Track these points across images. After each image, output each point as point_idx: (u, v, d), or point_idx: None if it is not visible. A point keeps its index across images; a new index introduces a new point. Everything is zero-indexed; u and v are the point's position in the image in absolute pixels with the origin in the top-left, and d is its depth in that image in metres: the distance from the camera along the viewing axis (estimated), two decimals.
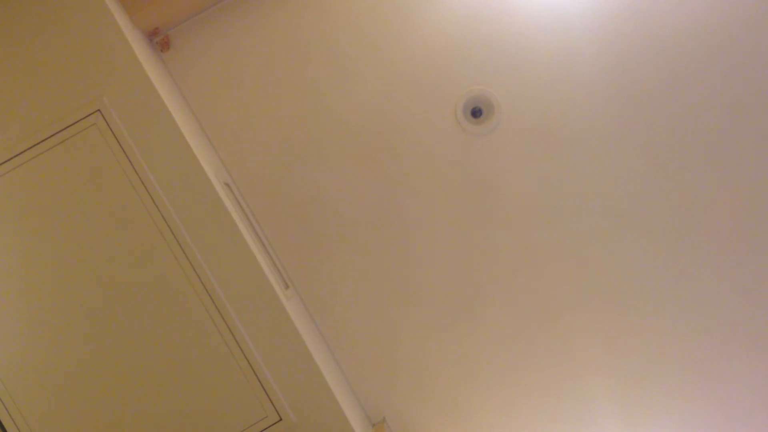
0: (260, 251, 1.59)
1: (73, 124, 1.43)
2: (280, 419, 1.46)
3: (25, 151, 1.43)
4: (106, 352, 1.44)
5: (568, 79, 1.83)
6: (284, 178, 1.91)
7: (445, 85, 1.86)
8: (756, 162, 1.81)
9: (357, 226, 1.92)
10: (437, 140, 1.88)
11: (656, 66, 1.81)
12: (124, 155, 1.44)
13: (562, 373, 1.94)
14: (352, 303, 1.94)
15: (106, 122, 1.44)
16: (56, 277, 1.43)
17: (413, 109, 1.88)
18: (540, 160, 1.87)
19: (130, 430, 1.45)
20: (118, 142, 1.44)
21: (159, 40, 1.84)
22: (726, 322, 1.87)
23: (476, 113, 1.87)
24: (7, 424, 1.43)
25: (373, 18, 1.85)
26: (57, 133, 1.43)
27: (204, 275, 1.44)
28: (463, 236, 1.91)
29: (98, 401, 1.44)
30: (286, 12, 1.86)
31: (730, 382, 1.89)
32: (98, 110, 1.44)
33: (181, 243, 1.43)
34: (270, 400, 1.45)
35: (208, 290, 1.44)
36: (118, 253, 1.43)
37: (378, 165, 1.90)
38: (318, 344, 1.76)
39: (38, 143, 1.43)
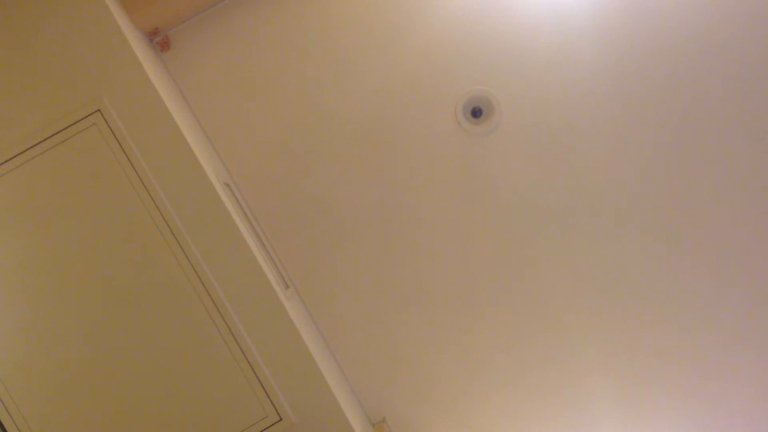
0: (260, 251, 1.59)
1: (73, 124, 1.43)
2: (280, 419, 1.46)
3: (25, 151, 1.43)
4: (106, 352, 1.44)
5: (567, 79, 1.84)
6: (284, 178, 1.91)
7: (445, 85, 1.86)
8: (756, 161, 1.81)
9: (357, 225, 1.92)
10: (437, 140, 1.88)
11: (656, 66, 1.81)
12: (124, 155, 1.44)
13: (562, 372, 1.94)
14: (353, 303, 1.94)
15: (106, 122, 1.44)
16: (56, 277, 1.43)
17: (413, 109, 1.88)
18: (540, 160, 1.87)
19: (130, 430, 1.44)
20: (118, 142, 1.44)
21: (159, 40, 1.84)
22: (726, 321, 1.87)
23: (476, 113, 1.87)
24: (7, 424, 1.43)
25: (373, 18, 1.85)
26: (57, 133, 1.43)
27: (204, 275, 1.44)
28: (463, 236, 1.91)
29: (98, 401, 1.44)
30: (286, 12, 1.86)
31: (729, 381, 1.89)
32: (98, 110, 1.44)
33: (181, 243, 1.43)
34: (270, 400, 1.45)
35: (208, 290, 1.44)
36: (118, 253, 1.43)
37: (378, 165, 1.90)
38: (318, 344, 1.76)
39: (38, 143, 1.43)
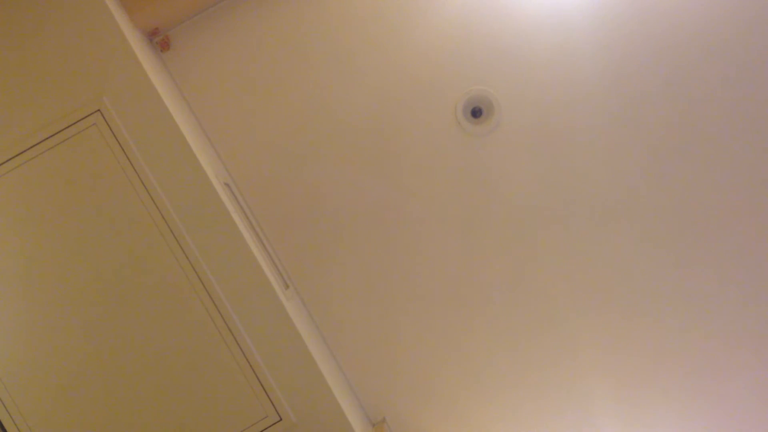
0: (260, 251, 1.60)
1: (73, 124, 1.43)
2: (280, 419, 1.46)
3: (25, 150, 1.43)
4: (105, 351, 1.44)
5: (568, 79, 1.83)
6: (284, 178, 1.91)
7: (445, 85, 1.86)
8: (755, 161, 1.81)
9: (357, 225, 1.91)
10: (437, 140, 1.88)
11: (656, 66, 1.81)
12: (124, 155, 1.44)
13: (562, 373, 1.94)
14: (352, 303, 1.94)
15: (106, 122, 1.44)
16: (56, 277, 1.43)
17: (413, 109, 1.88)
18: (540, 160, 1.87)
19: (130, 430, 1.45)
20: (118, 142, 1.44)
21: (159, 40, 1.84)
22: (726, 321, 1.87)
23: (476, 113, 1.87)
24: (7, 424, 1.43)
25: (373, 18, 1.85)
26: (57, 133, 1.43)
27: (204, 275, 1.44)
28: (463, 236, 1.91)
29: (98, 401, 1.44)
30: (286, 12, 1.86)
31: (730, 381, 1.89)
32: (98, 110, 1.44)
33: (181, 243, 1.43)
34: (270, 400, 1.45)
35: (208, 290, 1.44)
36: (118, 253, 1.43)
37: (378, 165, 1.90)
38: (318, 344, 1.76)
39: (38, 143, 1.43)
